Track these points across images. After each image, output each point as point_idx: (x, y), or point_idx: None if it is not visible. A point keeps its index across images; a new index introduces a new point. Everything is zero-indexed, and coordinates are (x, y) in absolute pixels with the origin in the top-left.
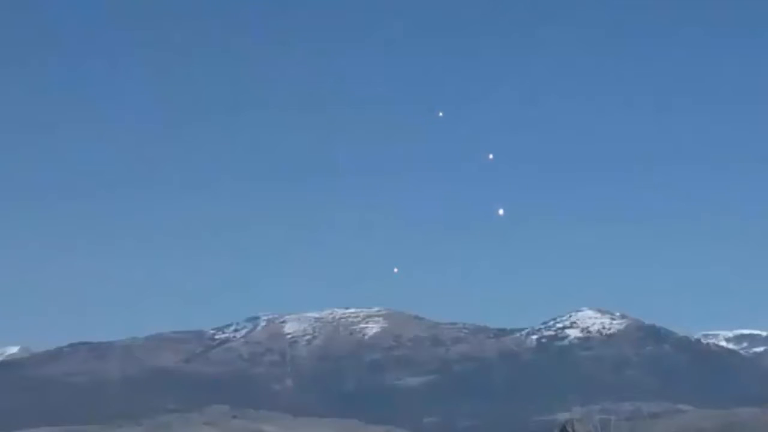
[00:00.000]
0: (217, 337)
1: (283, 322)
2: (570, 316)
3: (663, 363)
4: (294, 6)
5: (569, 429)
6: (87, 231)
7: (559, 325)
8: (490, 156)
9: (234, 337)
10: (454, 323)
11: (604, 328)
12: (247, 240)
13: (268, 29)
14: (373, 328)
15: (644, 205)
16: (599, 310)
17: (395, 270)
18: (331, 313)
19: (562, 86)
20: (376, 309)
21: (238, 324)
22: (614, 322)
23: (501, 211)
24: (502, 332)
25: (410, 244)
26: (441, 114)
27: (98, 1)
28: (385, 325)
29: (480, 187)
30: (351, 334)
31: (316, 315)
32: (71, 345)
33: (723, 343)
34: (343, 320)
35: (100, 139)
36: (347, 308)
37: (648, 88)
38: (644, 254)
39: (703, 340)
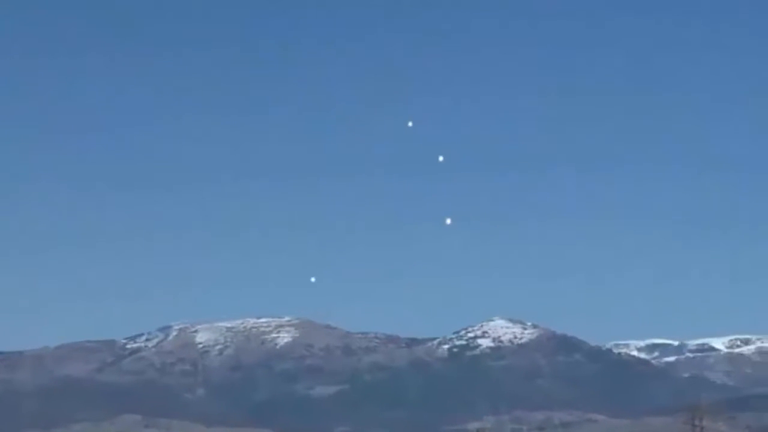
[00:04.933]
0: (128, 346)
1: (194, 331)
2: (481, 326)
3: (574, 373)
4: (294, 6)
5: None
6: None
7: (471, 335)
8: (440, 158)
9: (146, 346)
10: (366, 333)
11: (515, 337)
12: (156, 248)
13: (269, 30)
14: (284, 338)
15: (554, 213)
16: (511, 320)
17: (312, 279)
18: (243, 323)
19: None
20: (287, 318)
21: (149, 333)
22: (526, 331)
23: (448, 221)
24: (413, 342)
25: (321, 253)
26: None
27: (98, 1)
28: (297, 335)
29: (388, 195)
30: (262, 343)
31: (228, 324)
32: None
33: (634, 353)
34: (254, 330)
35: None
36: (259, 318)
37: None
38: (555, 264)
39: (615, 350)
